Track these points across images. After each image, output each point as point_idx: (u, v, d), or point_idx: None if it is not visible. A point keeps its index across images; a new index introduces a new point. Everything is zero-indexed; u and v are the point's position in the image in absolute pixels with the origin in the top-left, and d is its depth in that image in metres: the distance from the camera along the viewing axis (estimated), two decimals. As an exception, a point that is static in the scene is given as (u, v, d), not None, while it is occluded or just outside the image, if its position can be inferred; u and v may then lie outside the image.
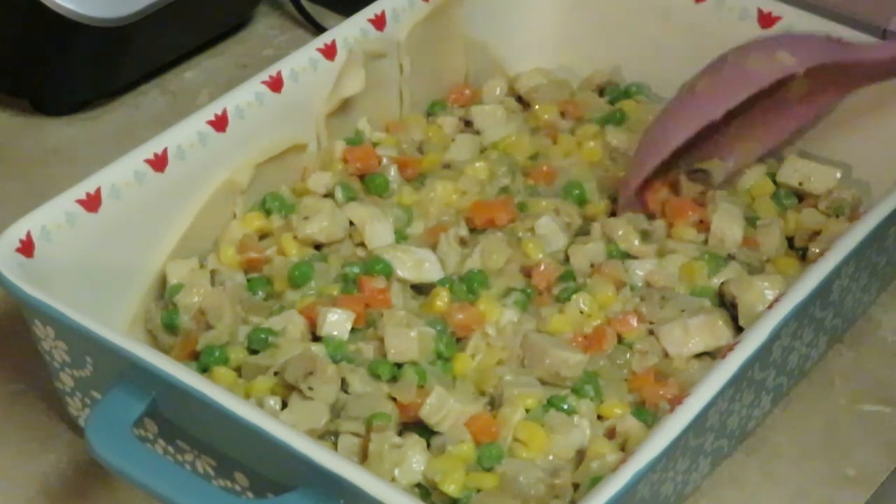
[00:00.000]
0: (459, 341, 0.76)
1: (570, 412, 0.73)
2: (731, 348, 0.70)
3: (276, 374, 0.74)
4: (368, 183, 0.86)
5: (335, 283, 0.79)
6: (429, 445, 0.71)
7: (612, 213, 0.85)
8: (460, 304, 0.77)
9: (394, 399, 0.73)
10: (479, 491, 0.69)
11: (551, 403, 0.73)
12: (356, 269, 0.79)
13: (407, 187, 0.86)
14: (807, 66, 0.81)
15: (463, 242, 0.82)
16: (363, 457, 0.70)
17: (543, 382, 0.74)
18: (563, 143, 0.90)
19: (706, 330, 0.75)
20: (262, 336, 0.76)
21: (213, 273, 0.80)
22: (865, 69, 0.83)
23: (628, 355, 0.76)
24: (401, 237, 0.83)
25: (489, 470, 0.70)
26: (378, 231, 0.82)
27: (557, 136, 0.90)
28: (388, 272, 0.79)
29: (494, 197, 0.85)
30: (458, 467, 0.69)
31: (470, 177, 0.86)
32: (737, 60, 0.81)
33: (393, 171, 0.87)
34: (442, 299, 0.78)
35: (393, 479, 0.69)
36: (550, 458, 0.71)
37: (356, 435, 0.71)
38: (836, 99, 0.86)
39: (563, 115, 0.93)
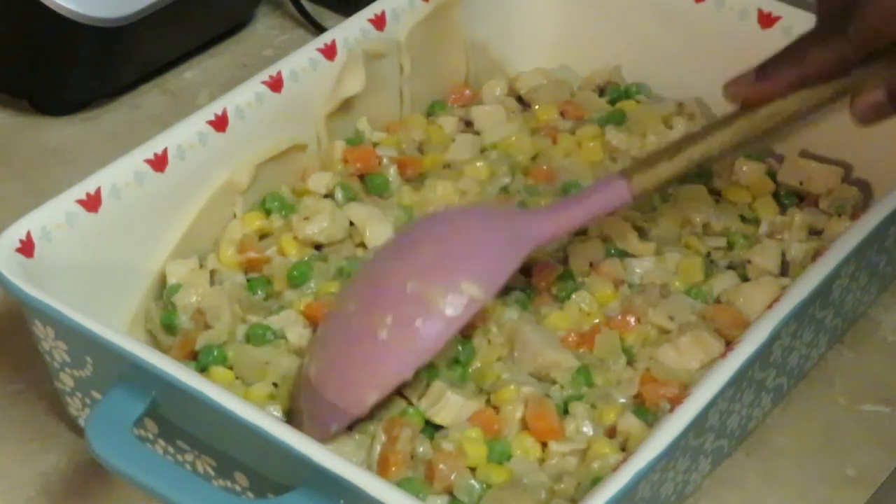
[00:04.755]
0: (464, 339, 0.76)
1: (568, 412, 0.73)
2: (731, 348, 0.70)
3: (275, 385, 0.74)
4: (368, 183, 0.86)
5: (334, 279, 0.79)
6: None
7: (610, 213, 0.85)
8: None
9: (403, 396, 0.73)
10: (488, 485, 0.70)
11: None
12: (355, 264, 0.79)
13: (407, 187, 0.86)
14: (496, 290, 0.73)
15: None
16: (382, 457, 0.70)
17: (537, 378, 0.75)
18: (563, 143, 0.90)
19: (697, 346, 0.75)
20: (261, 332, 0.76)
21: (212, 273, 0.80)
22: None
23: (624, 362, 0.76)
24: (401, 237, 0.83)
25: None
26: (378, 231, 0.82)
27: (557, 136, 0.90)
28: None
29: (494, 197, 0.85)
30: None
31: (470, 177, 0.86)
32: (420, 298, 0.70)
33: (393, 171, 0.87)
34: None
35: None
36: (555, 461, 0.71)
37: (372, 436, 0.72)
38: None
39: (563, 115, 0.93)
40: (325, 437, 0.70)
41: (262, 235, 0.83)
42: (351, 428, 0.72)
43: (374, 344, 0.71)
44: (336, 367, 0.72)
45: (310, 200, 0.84)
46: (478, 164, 0.87)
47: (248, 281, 0.80)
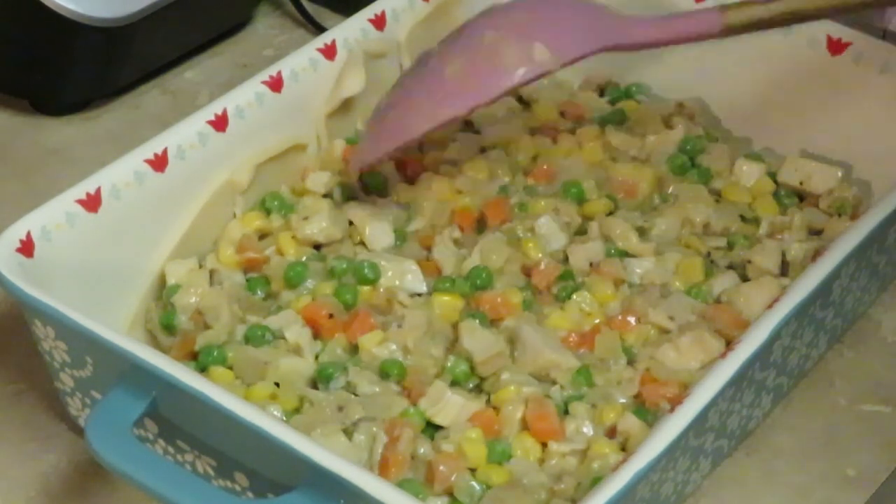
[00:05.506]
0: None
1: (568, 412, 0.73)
2: (731, 348, 0.70)
3: (276, 384, 0.74)
4: (366, 181, 0.86)
5: (333, 278, 0.79)
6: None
7: (610, 213, 0.85)
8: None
9: (407, 395, 0.73)
10: (488, 486, 0.70)
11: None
12: (344, 265, 0.79)
13: (405, 186, 0.86)
14: (563, 64, 0.78)
15: (456, 243, 0.82)
16: (382, 458, 0.70)
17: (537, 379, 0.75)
18: (563, 143, 0.90)
19: (697, 346, 0.75)
20: (260, 333, 0.76)
21: (211, 273, 0.80)
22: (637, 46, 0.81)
23: (624, 362, 0.76)
24: (400, 236, 0.83)
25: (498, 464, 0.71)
26: (378, 231, 0.82)
27: (557, 136, 0.90)
28: (377, 277, 0.79)
29: (494, 196, 0.85)
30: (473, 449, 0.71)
31: (469, 176, 0.86)
32: (493, 44, 0.77)
33: (391, 170, 0.87)
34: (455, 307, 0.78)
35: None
36: (555, 461, 0.71)
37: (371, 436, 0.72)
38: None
39: (562, 115, 0.93)
40: (376, 156, 0.79)
41: (262, 235, 0.83)
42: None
43: (441, 79, 0.77)
44: (406, 93, 0.80)
45: (309, 200, 0.84)
46: (478, 163, 0.87)
47: (247, 281, 0.80)
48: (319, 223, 0.82)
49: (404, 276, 0.79)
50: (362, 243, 0.82)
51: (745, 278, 0.81)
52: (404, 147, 0.80)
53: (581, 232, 0.84)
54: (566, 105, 0.93)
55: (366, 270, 0.78)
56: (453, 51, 0.79)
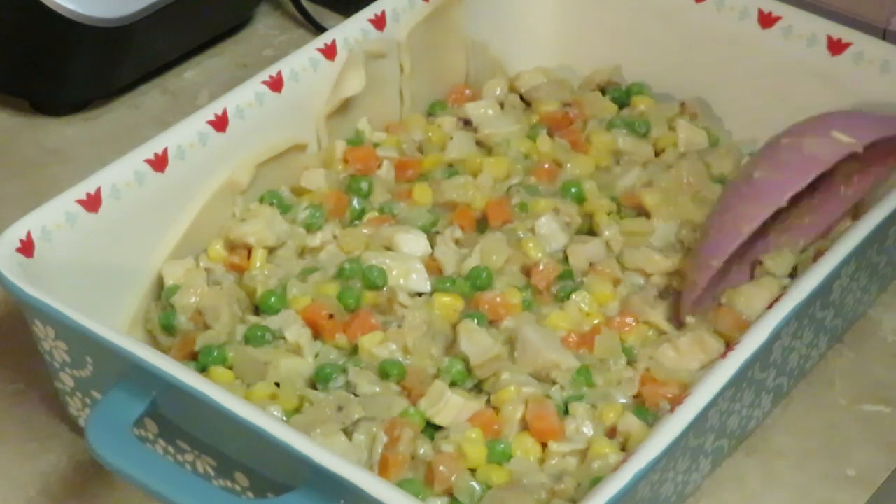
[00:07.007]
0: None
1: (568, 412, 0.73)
2: (731, 348, 0.70)
3: (277, 384, 0.74)
4: (353, 187, 0.85)
5: (332, 281, 0.79)
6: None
7: (611, 213, 0.85)
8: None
9: (407, 395, 0.73)
10: (488, 486, 0.70)
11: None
12: (348, 265, 0.79)
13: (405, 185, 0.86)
14: (865, 143, 0.78)
15: (457, 243, 0.82)
16: (382, 458, 0.70)
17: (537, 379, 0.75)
18: (566, 141, 0.89)
19: (696, 347, 0.76)
20: (260, 333, 0.76)
21: (207, 271, 0.80)
22: None
23: (624, 362, 0.76)
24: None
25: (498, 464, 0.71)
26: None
27: (557, 135, 0.90)
28: (384, 283, 0.79)
29: (495, 196, 0.85)
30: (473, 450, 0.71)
31: (486, 174, 0.86)
32: (792, 143, 0.79)
33: (384, 171, 0.87)
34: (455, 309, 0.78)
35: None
36: (555, 461, 0.71)
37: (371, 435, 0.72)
38: (884, 175, 0.84)
39: (566, 114, 0.92)
40: (709, 274, 0.77)
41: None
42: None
43: (751, 183, 0.78)
44: (719, 210, 0.80)
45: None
46: (483, 160, 0.87)
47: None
48: (323, 235, 0.82)
49: (409, 276, 0.79)
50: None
51: (746, 278, 0.82)
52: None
53: (581, 232, 0.84)
54: (568, 104, 0.93)
55: (374, 276, 0.78)
56: (758, 161, 0.80)
